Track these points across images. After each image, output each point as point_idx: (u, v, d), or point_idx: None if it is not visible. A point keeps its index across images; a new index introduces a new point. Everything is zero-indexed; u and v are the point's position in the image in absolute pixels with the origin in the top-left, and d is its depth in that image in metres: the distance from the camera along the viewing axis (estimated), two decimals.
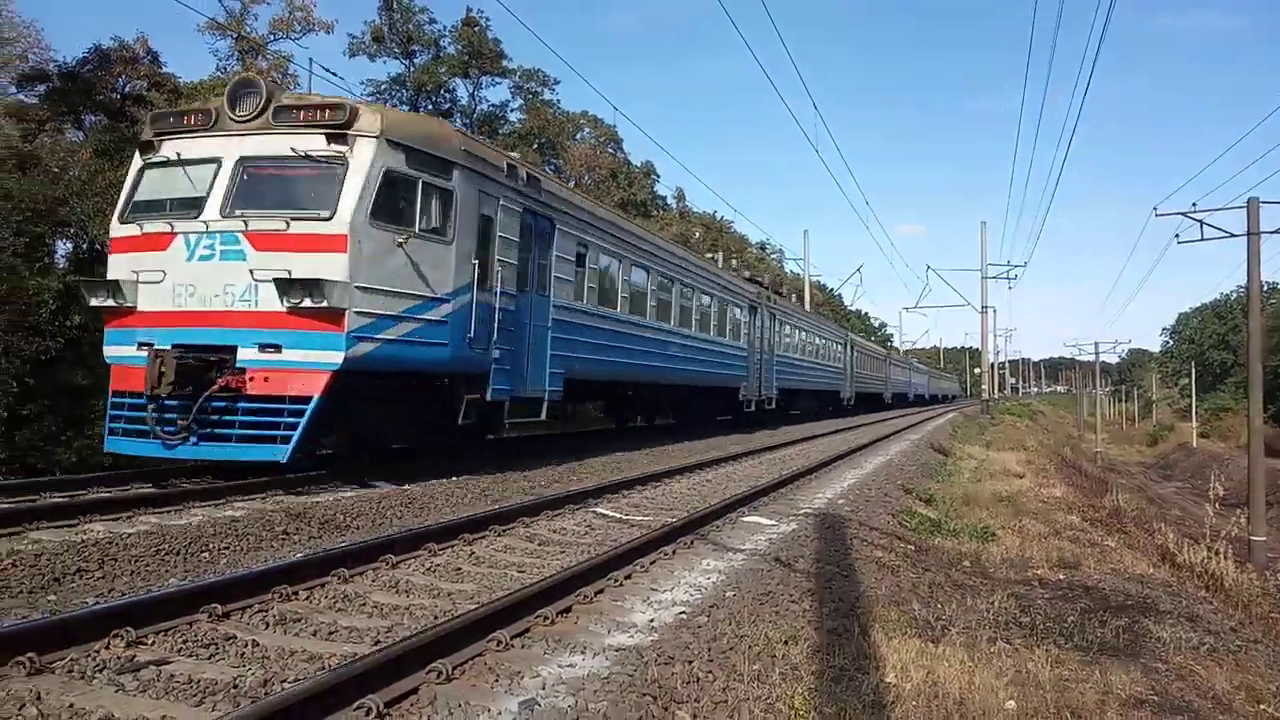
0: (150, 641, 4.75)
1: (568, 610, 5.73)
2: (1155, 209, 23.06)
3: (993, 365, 67.96)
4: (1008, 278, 54.43)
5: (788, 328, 32.70)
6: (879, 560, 8.42)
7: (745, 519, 9.90)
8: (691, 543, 8.24)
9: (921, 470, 18.42)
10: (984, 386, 60.37)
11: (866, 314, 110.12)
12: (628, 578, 6.72)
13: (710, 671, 4.67)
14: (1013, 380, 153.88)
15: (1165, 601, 8.76)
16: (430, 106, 39.22)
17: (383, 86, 39.45)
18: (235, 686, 4.16)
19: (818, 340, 38.63)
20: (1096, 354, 72.01)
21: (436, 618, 5.46)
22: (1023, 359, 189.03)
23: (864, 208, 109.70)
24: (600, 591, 6.23)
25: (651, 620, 5.65)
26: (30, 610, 5.32)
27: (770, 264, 69.94)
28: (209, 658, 4.61)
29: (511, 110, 43.83)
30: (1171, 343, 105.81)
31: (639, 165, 51.24)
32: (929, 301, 75.12)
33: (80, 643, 4.53)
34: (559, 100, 44.93)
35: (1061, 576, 9.35)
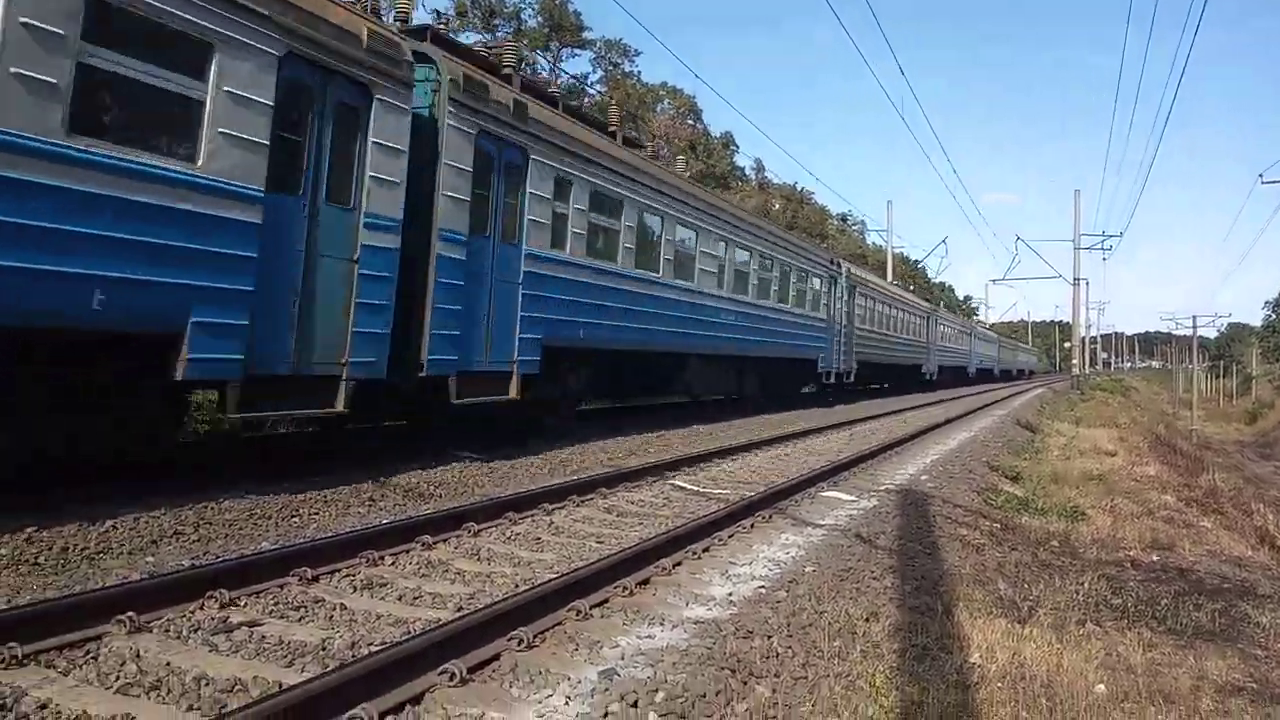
0: (243, 603, 4.92)
1: (646, 582, 5.76)
2: (1261, 176, 21.93)
3: (1084, 339, 65.77)
4: (1102, 248, 52.46)
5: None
6: (963, 538, 8.25)
7: (824, 494, 9.79)
8: (770, 517, 8.18)
9: (1008, 447, 17.97)
10: (1074, 361, 58.42)
11: (951, 287, 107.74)
12: (705, 550, 6.72)
13: (789, 647, 4.64)
14: (1105, 355, 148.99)
15: (1264, 585, 8.41)
16: None
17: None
18: (324, 649, 4.28)
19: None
20: (1194, 328, 69.10)
21: (517, 586, 5.54)
22: (1116, 333, 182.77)
23: (951, 176, 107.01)
24: (678, 564, 6.24)
25: (730, 594, 5.63)
26: (130, 571, 5.55)
27: (852, 236, 68.81)
28: (299, 620, 4.76)
29: (592, 83, 43.83)
30: (1274, 316, 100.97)
31: (718, 136, 50.81)
32: (1018, 273, 73.04)
33: (177, 603, 4.72)
34: (639, 71, 44.79)
35: (1155, 558, 9.04)
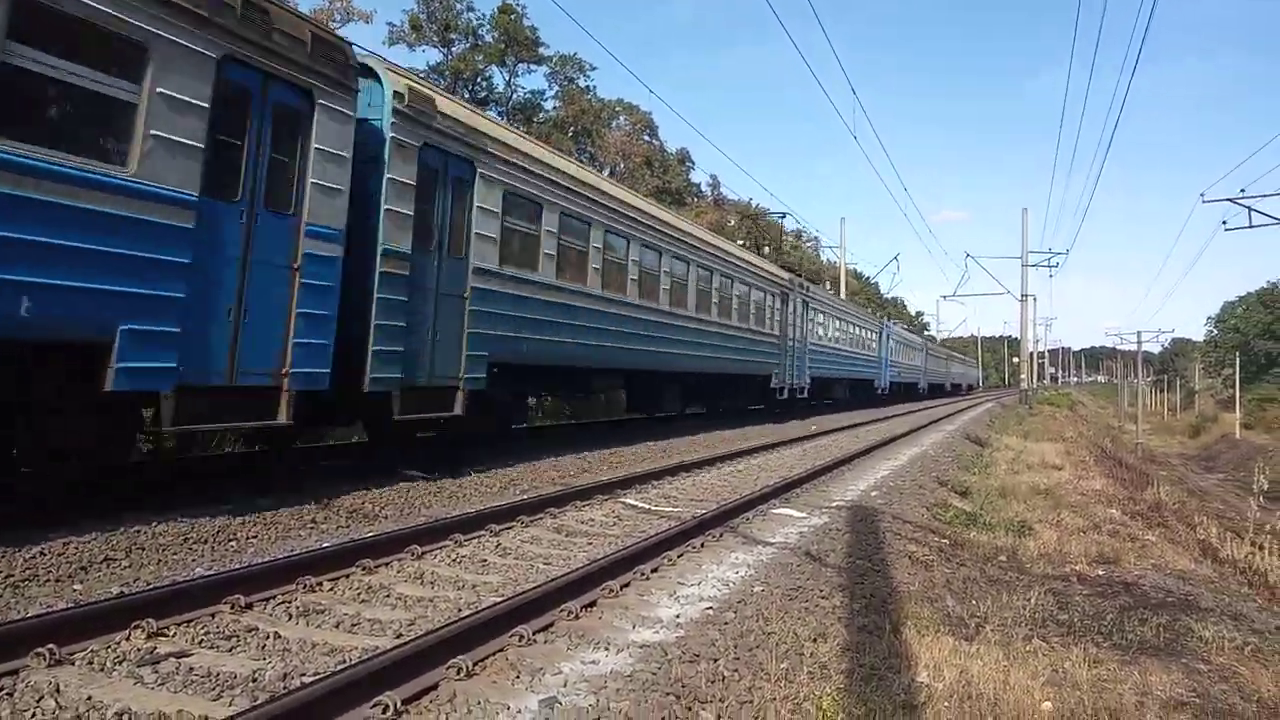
0: (172, 633, 4.73)
1: (592, 605, 5.66)
2: (1202, 195, 22.57)
3: (1032, 354, 66.91)
4: (1049, 265, 53.50)
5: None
6: (912, 555, 8.26)
7: (776, 511, 9.77)
8: (720, 535, 8.13)
9: (957, 462, 18.14)
10: (1023, 376, 59.42)
11: (903, 302, 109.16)
12: (654, 571, 6.64)
13: (736, 670, 4.57)
14: (1052, 370, 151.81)
15: (1207, 598, 8.51)
16: (468, 95, 39.24)
17: (420, 75, 39.52)
18: (254, 680, 4.13)
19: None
20: (1139, 343, 70.80)
21: (460, 610, 5.42)
22: (1063, 348, 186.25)
23: (902, 195, 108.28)
24: (626, 585, 6.15)
25: (677, 616, 5.55)
26: (56, 599, 5.33)
27: (806, 252, 69.42)
28: (230, 650, 4.58)
29: (547, 98, 43.76)
30: (1216, 332, 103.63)
31: (674, 152, 50.97)
32: (968, 289, 74.19)
33: (101, 634, 4.52)
34: (594, 87, 44.78)
35: (1100, 572, 9.12)
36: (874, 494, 11.72)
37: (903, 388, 52.91)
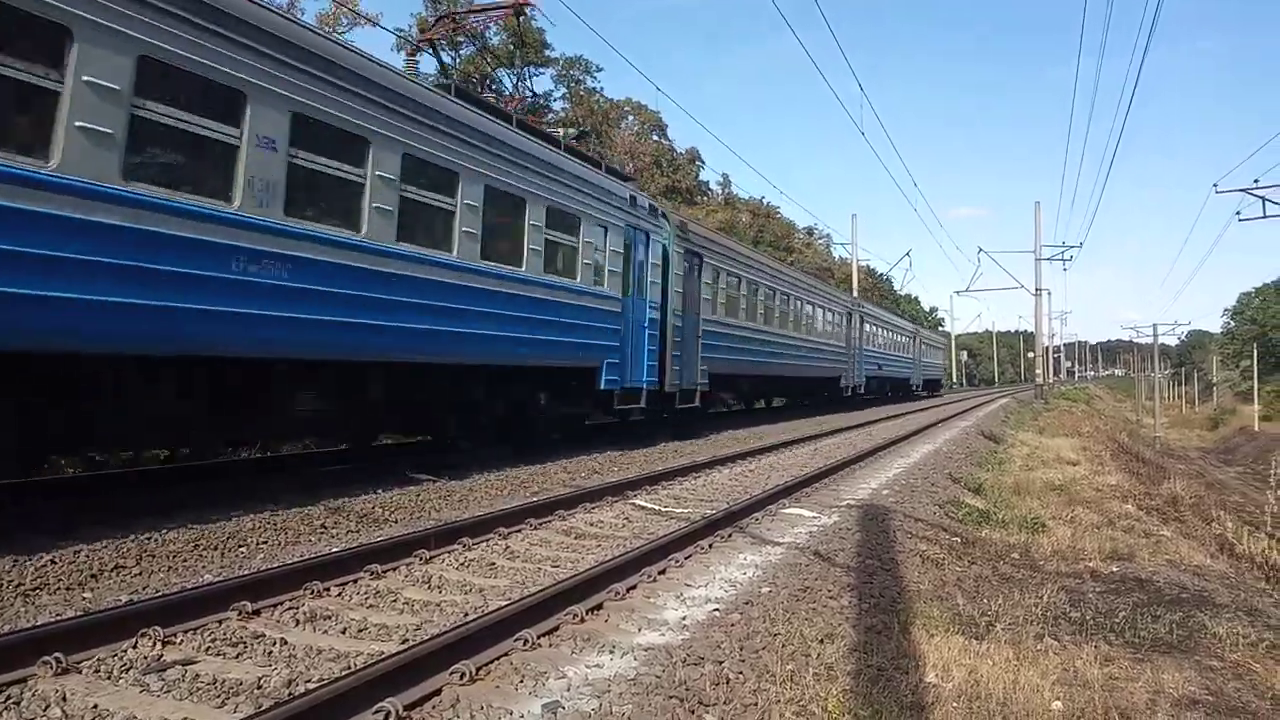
0: (178, 640, 4.75)
1: (598, 608, 5.65)
2: (1215, 186, 22.38)
3: (1047, 349, 66.49)
4: (1063, 259, 53.24)
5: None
6: (923, 553, 8.21)
7: (785, 510, 9.74)
8: (729, 535, 8.11)
9: (971, 458, 18.05)
10: (1038, 371, 59.10)
11: (917, 298, 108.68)
12: (662, 573, 6.62)
13: (741, 672, 4.55)
14: (1068, 364, 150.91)
15: (1223, 594, 8.42)
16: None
17: (431, 79, 39.57)
18: (259, 687, 4.14)
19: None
20: (1155, 336, 70.27)
21: (467, 614, 5.42)
22: (1078, 342, 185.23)
23: (913, 191, 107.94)
24: (633, 588, 6.14)
25: (683, 618, 5.54)
26: (66, 607, 5.37)
27: (818, 248, 69.22)
28: (236, 657, 4.60)
29: (555, 99, 43.82)
30: (1233, 323, 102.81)
31: (683, 151, 50.99)
32: (981, 285, 73.64)
33: (108, 642, 4.54)
34: (601, 88, 44.86)
35: (1114, 569, 9.05)
36: (885, 492, 11.66)
37: (930, 384, 59.87)
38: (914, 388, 51.23)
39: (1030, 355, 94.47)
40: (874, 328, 40.63)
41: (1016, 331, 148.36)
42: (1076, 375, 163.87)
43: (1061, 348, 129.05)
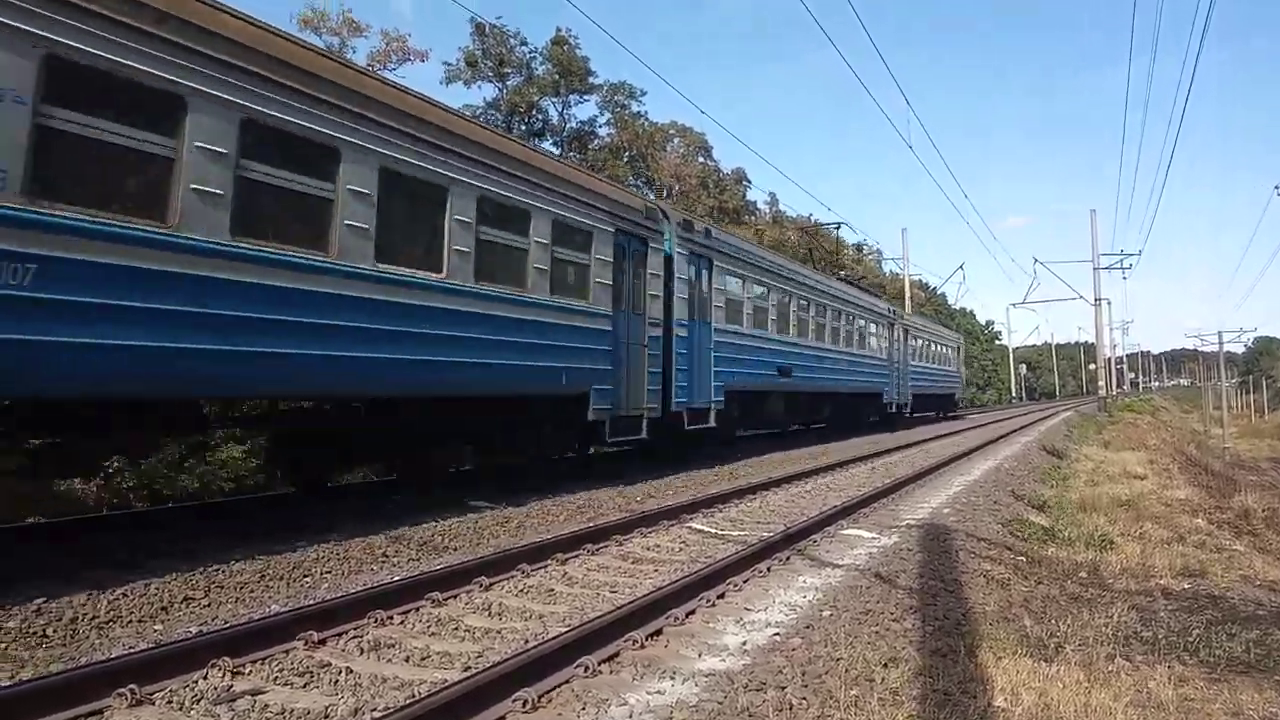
0: (247, 670, 4.85)
1: (658, 633, 5.64)
2: (1277, 187, 21.73)
3: (1109, 360, 65.02)
4: (1121, 267, 52.19)
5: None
6: (987, 573, 8.05)
7: (844, 531, 9.63)
8: (788, 558, 8.04)
9: (1033, 474, 17.67)
10: (1100, 383, 57.79)
11: (972, 312, 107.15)
12: (720, 597, 6.59)
13: (804, 698, 4.50)
14: (1131, 375, 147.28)
15: None
16: (523, 128, 39.85)
17: (478, 111, 40.24)
18: (326, 716, 4.21)
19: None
20: (1220, 343, 68.32)
21: (527, 641, 5.44)
22: (1141, 352, 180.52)
23: (964, 203, 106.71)
24: (691, 613, 6.11)
25: (744, 643, 5.50)
26: (138, 640, 5.51)
27: (868, 264, 68.62)
28: (303, 686, 4.67)
29: (600, 125, 44.18)
30: None
31: (729, 172, 51.00)
32: (1038, 296, 72.23)
33: (180, 673, 4.65)
34: (646, 112, 45.09)
35: (1186, 586, 8.78)
36: (946, 511, 11.47)
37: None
38: (959, 403, 45.51)
39: (1091, 367, 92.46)
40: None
41: (1076, 343, 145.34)
42: (1140, 386, 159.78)
43: (1124, 358, 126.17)
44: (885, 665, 5.10)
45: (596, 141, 43.45)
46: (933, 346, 40.61)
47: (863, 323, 28.62)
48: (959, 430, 32.06)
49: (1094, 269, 49.66)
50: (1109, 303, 56.60)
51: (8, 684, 4.54)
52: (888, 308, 33.18)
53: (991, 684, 5.01)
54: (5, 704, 4.01)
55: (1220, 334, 67.41)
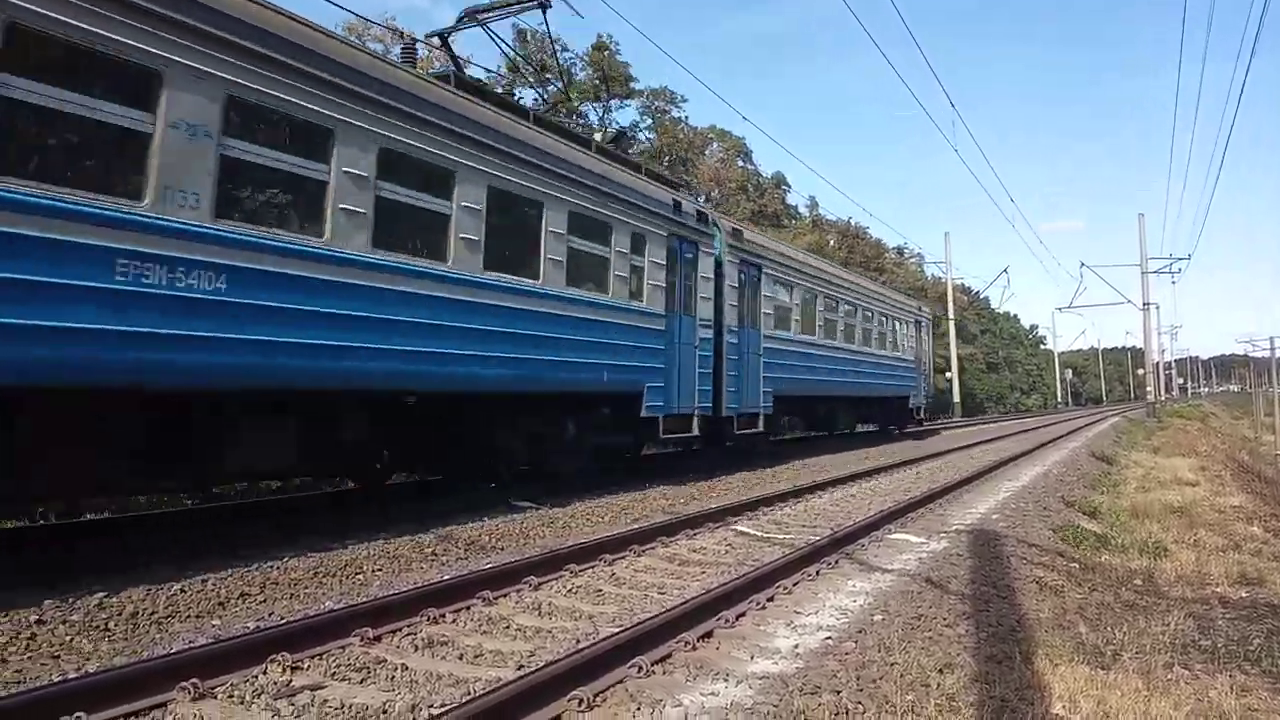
0: (305, 666, 4.91)
1: (709, 635, 5.63)
2: None
3: (1157, 365, 63.80)
4: (1170, 271, 51.23)
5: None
6: (1040, 580, 7.93)
7: (892, 536, 9.55)
8: (836, 562, 7.99)
9: (1083, 480, 17.38)
10: (1148, 389, 56.76)
11: (1016, 316, 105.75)
12: (770, 600, 6.56)
13: (859, 702, 4.46)
14: (1180, 380, 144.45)
15: None
16: None
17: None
18: (384, 712, 4.24)
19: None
20: (1273, 348, 66.56)
21: (578, 641, 5.46)
22: (1190, 357, 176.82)
23: (1009, 205, 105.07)
24: (742, 615, 6.09)
25: (796, 646, 5.47)
26: (197, 634, 5.60)
27: (909, 268, 68.05)
28: (360, 682, 4.73)
29: (640, 130, 44.25)
30: None
31: (769, 176, 50.87)
32: (1084, 300, 70.63)
33: (240, 668, 4.72)
34: (686, 117, 45.12)
35: (1244, 594, 8.58)
36: (995, 516, 11.32)
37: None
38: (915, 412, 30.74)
39: (1139, 372, 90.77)
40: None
41: (1124, 348, 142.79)
42: (1189, 391, 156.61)
43: (1172, 363, 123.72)
44: (940, 671, 5.04)
45: (636, 146, 43.51)
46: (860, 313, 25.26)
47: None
48: (1005, 435, 31.65)
49: (1142, 273, 48.91)
50: (1157, 307, 55.54)
51: (75, 676, 4.65)
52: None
53: (1049, 691, 4.93)
54: (75, 695, 4.09)
55: (1272, 339, 65.58)
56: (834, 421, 25.48)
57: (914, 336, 29.84)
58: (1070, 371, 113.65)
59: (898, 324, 28.19)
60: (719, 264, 15.91)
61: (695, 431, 14.76)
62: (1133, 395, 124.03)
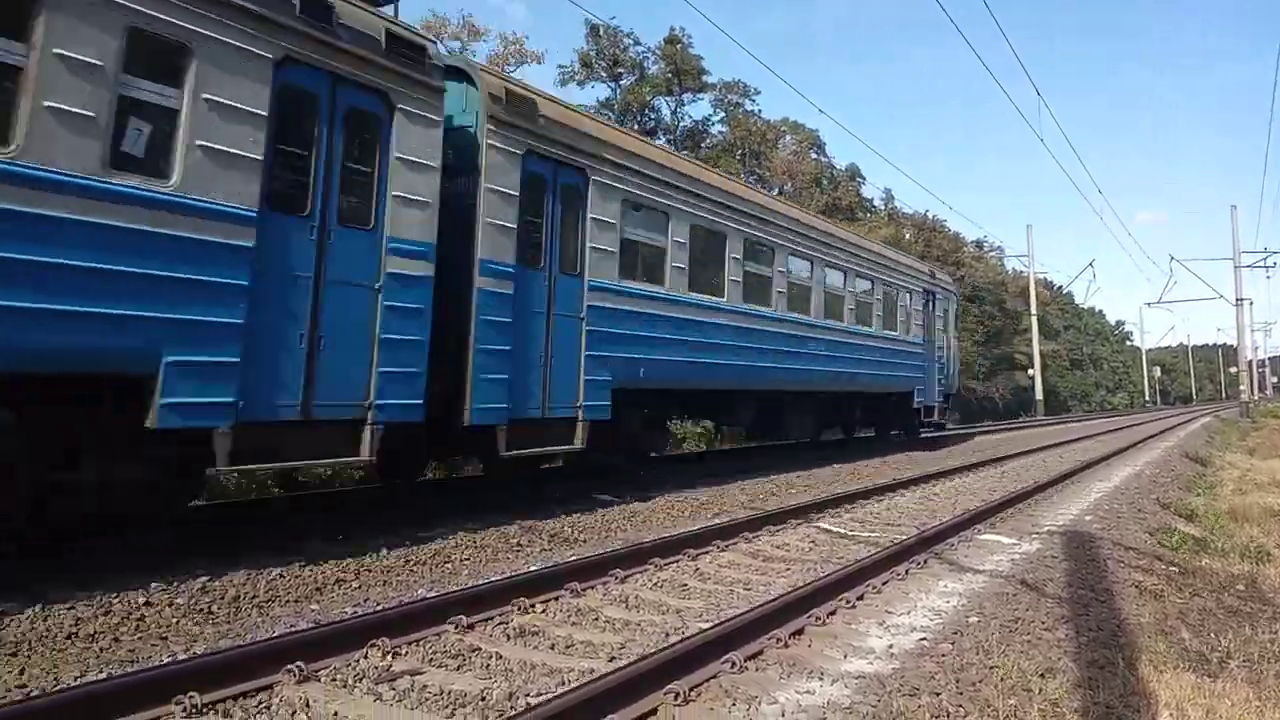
0: (404, 651, 5.01)
1: (800, 632, 5.58)
2: None
3: (1251, 363, 61.20)
4: (1265, 265, 49.05)
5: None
6: (1139, 584, 7.67)
7: (981, 536, 9.34)
8: (925, 562, 7.85)
9: (1177, 482, 16.77)
10: (1242, 387, 54.50)
11: (1101, 311, 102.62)
12: (860, 599, 6.47)
13: (960, 705, 4.37)
14: (1275, 379, 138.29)
15: None
16: (635, 126, 40.05)
17: (591, 110, 40.61)
18: (483, 699, 4.30)
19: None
20: None
21: (667, 634, 5.47)
22: None
23: (1096, 196, 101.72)
24: (832, 613, 6.03)
25: (890, 646, 5.39)
26: (297, 619, 5.76)
27: (989, 262, 66.45)
28: (457, 669, 4.80)
29: (713, 123, 44.04)
30: None
31: (843, 168, 50.15)
32: (1174, 295, 67.73)
33: (342, 652, 4.84)
34: (759, 110, 44.71)
35: None
36: (1088, 518, 11.00)
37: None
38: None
39: (1231, 370, 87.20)
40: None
41: (1214, 345, 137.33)
42: None
43: (1266, 361, 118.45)
44: (1042, 675, 4.91)
45: (709, 140, 43.32)
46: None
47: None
48: (1090, 435, 30.75)
49: (1235, 267, 46.94)
50: (1250, 303, 53.16)
51: (185, 657, 4.82)
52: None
53: (1155, 699, 4.77)
54: (186, 676, 4.24)
55: None
56: (779, 427, 17.84)
57: (922, 313, 22.44)
58: (1158, 369, 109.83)
59: (897, 293, 20.95)
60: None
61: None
62: (1224, 394, 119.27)
